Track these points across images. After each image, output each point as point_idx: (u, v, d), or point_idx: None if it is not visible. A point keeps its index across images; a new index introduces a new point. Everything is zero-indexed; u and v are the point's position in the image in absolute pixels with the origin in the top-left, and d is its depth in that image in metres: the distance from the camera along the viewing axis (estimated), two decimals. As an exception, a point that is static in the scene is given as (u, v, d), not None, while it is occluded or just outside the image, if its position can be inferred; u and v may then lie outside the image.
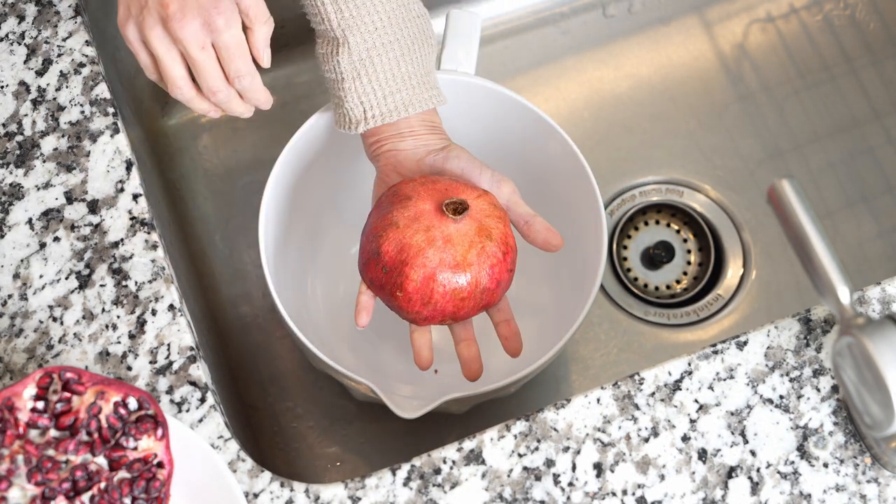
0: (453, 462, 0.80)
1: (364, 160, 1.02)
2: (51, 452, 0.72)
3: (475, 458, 0.80)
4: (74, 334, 0.84)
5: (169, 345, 0.83)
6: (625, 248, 1.12)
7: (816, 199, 1.13)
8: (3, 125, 0.90)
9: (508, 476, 0.80)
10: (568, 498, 0.79)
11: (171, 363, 0.83)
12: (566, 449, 0.81)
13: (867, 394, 0.75)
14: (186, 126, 1.14)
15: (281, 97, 1.15)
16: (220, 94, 0.81)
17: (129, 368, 0.83)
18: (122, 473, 0.73)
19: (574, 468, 0.80)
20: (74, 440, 0.72)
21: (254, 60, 0.82)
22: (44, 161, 0.89)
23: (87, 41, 0.92)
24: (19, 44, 0.92)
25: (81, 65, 0.92)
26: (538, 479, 0.80)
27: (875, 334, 0.73)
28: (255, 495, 0.79)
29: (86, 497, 0.72)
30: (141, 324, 0.84)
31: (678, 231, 1.13)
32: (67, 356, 0.83)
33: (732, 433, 0.81)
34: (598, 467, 0.80)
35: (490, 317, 0.85)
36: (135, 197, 0.88)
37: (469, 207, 0.80)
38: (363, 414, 1.03)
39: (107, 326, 0.84)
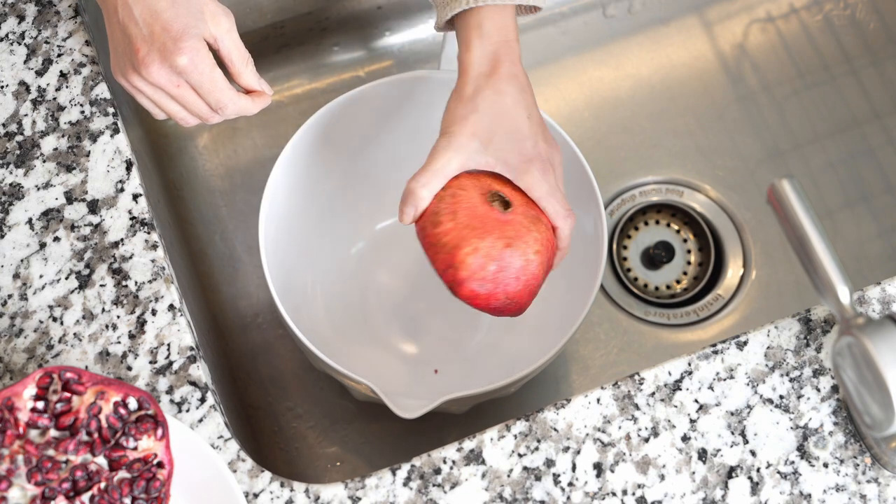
0: (453, 462, 0.80)
1: (363, 160, 1.02)
2: (51, 452, 0.72)
3: (475, 458, 0.80)
4: (74, 334, 0.84)
5: (169, 345, 0.83)
6: (625, 248, 1.12)
7: (816, 199, 1.13)
8: (3, 125, 0.90)
9: (508, 476, 0.80)
10: (568, 498, 0.79)
11: (171, 363, 0.83)
12: (566, 449, 0.81)
13: (867, 394, 0.75)
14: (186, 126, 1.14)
15: (281, 97, 1.15)
16: (214, 119, 0.83)
17: (129, 368, 0.83)
18: (122, 473, 0.73)
19: (574, 468, 0.80)
20: (74, 440, 0.72)
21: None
22: (44, 161, 0.89)
23: (87, 41, 0.92)
24: (19, 44, 0.92)
25: (81, 65, 0.92)
26: (538, 479, 0.80)
27: (875, 334, 0.73)
28: (255, 495, 0.79)
29: (86, 497, 0.72)
30: (141, 324, 0.84)
31: (678, 231, 1.13)
32: (67, 356, 0.83)
33: (732, 433, 0.81)
34: (598, 467, 0.80)
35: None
36: (135, 197, 0.88)
37: (510, 199, 0.81)
38: (363, 414, 1.03)
39: (107, 326, 0.84)
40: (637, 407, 0.82)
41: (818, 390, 0.82)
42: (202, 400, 0.82)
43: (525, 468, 0.80)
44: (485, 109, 0.79)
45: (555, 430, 0.81)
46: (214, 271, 1.09)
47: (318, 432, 1.03)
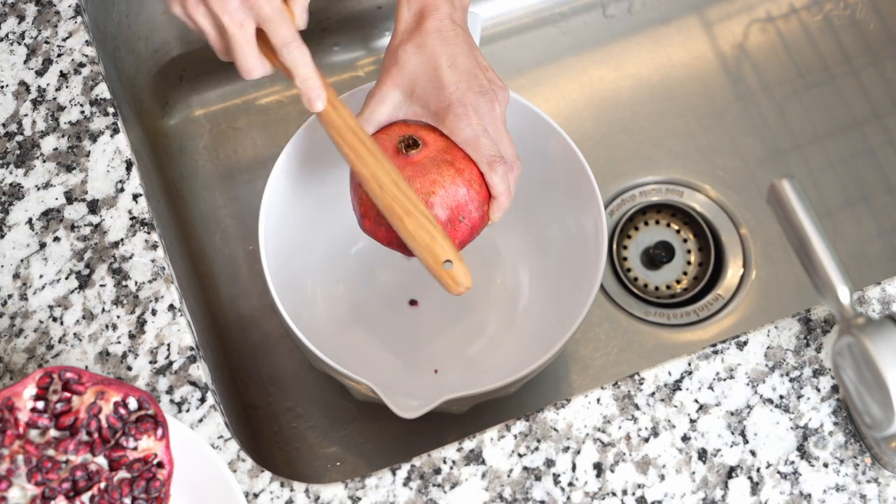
0: (453, 462, 0.80)
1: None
2: (51, 452, 0.72)
3: (475, 458, 0.80)
4: (74, 334, 0.84)
5: (169, 345, 0.84)
6: (625, 248, 1.12)
7: (816, 199, 1.13)
8: (3, 125, 0.90)
9: (508, 476, 0.80)
10: (568, 498, 0.79)
11: (171, 363, 0.83)
12: (566, 449, 0.81)
13: (867, 394, 0.75)
14: (186, 126, 1.14)
15: (281, 97, 1.15)
16: (256, 73, 0.81)
17: (129, 368, 0.83)
18: (122, 473, 0.73)
19: (574, 468, 0.80)
20: (74, 440, 0.72)
21: None
22: (44, 161, 0.89)
23: (87, 41, 0.92)
24: (19, 44, 0.92)
25: (81, 65, 0.92)
26: (538, 479, 0.80)
27: (875, 334, 0.73)
28: (255, 495, 0.79)
29: (86, 497, 0.72)
30: (141, 324, 0.84)
31: (678, 231, 1.13)
32: (67, 356, 0.83)
33: (732, 433, 0.81)
34: (598, 467, 0.80)
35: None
36: (135, 197, 0.88)
37: (420, 140, 0.83)
38: (363, 414, 1.03)
39: (107, 326, 0.84)
40: (637, 407, 0.82)
41: (818, 390, 0.82)
42: (202, 400, 0.82)
43: (525, 468, 0.80)
44: (405, 62, 0.83)
45: (555, 430, 0.81)
46: (214, 271, 1.09)
47: (318, 432, 1.03)
